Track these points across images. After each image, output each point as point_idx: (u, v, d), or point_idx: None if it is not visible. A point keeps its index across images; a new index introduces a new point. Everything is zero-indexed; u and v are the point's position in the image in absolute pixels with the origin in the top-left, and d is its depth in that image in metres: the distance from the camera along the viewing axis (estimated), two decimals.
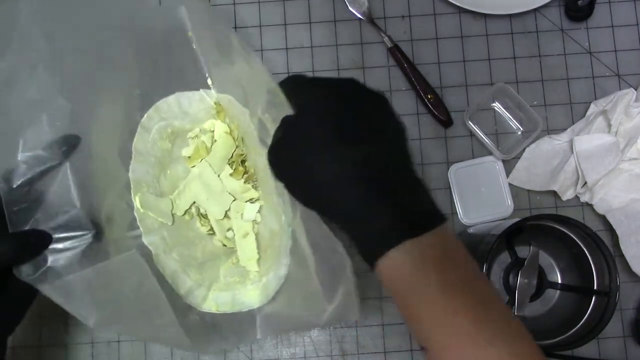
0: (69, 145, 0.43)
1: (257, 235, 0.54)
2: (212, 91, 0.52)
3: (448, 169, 0.59)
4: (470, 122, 0.58)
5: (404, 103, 0.61)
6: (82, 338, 0.59)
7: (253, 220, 0.54)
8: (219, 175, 0.55)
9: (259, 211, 0.54)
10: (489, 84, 0.61)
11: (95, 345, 0.59)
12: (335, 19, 0.62)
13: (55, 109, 0.43)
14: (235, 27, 0.63)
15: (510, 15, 0.62)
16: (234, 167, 0.55)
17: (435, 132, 0.61)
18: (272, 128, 0.37)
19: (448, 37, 0.62)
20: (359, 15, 0.62)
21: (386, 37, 0.61)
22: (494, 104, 0.61)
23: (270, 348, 0.58)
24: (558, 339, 0.51)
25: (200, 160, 0.55)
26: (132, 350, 0.59)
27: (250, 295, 0.51)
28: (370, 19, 0.62)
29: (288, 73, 0.62)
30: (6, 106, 0.42)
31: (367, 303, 0.59)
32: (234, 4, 0.63)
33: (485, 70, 0.61)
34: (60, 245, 0.43)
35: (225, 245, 0.55)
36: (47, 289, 0.39)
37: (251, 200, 0.55)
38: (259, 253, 0.53)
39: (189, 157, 0.55)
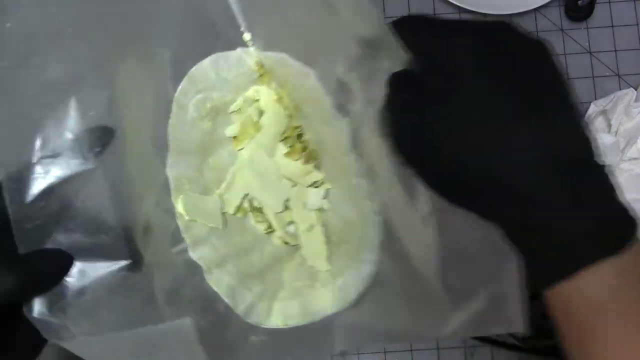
0: (103, 141, 0.33)
1: (325, 226, 0.44)
2: (252, 49, 0.42)
3: None
4: None
5: None
6: None
7: (319, 209, 0.44)
8: (272, 158, 0.45)
9: (325, 197, 0.44)
10: None
11: None
12: None
13: (87, 92, 0.32)
14: None
15: (510, 15, 0.62)
16: (289, 145, 0.44)
17: None
18: (363, 90, 0.29)
19: None
20: None
21: None
22: None
23: None
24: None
25: (248, 140, 0.45)
26: None
27: (323, 301, 0.42)
28: None
29: None
30: (19, 88, 0.31)
31: None
32: None
33: None
34: (85, 275, 0.32)
35: (287, 244, 0.45)
36: (66, 345, 0.31)
37: (315, 184, 0.44)
38: (329, 248, 0.43)
39: (234, 137, 0.45)
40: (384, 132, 0.28)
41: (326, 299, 0.41)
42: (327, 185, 0.44)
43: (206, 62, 0.41)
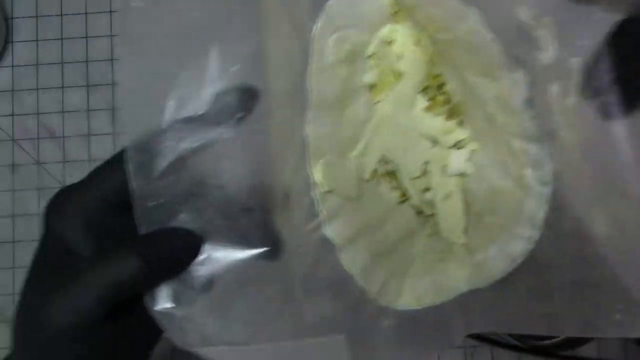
0: (247, 105, 0.27)
1: (466, 194, 0.37)
2: None
3: None
4: None
5: None
6: None
7: (460, 174, 0.37)
8: (411, 113, 0.38)
9: (469, 159, 0.37)
10: None
11: None
12: None
13: (232, 41, 0.26)
14: None
15: None
16: (428, 97, 0.38)
17: None
18: (558, 39, 0.24)
19: None
20: None
21: None
22: None
23: None
24: (558, 339, 0.51)
25: (387, 91, 0.38)
26: None
27: (457, 277, 0.36)
28: None
29: None
30: (151, 34, 0.25)
31: None
32: None
33: None
34: (214, 263, 0.27)
35: (420, 213, 0.39)
36: (198, 350, 0.25)
37: (458, 145, 0.37)
38: (467, 219, 0.37)
39: (371, 87, 0.38)
40: (592, 92, 0.23)
41: (460, 275, 0.36)
42: (473, 146, 0.37)
43: None
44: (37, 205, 0.61)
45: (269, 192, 0.29)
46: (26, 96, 0.63)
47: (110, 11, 0.64)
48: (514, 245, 0.33)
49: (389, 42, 0.37)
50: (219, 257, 0.26)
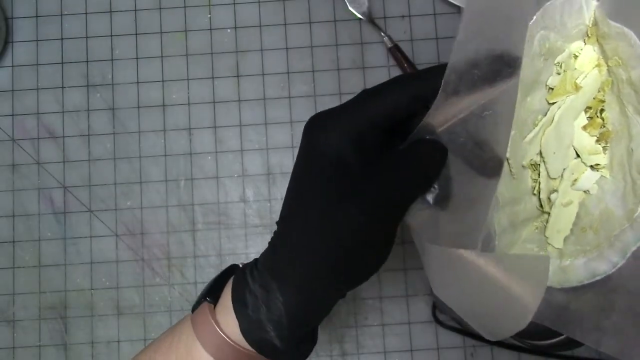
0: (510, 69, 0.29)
1: (582, 208, 0.43)
2: (595, 3, 0.39)
3: None
4: None
5: None
6: (82, 338, 0.59)
7: (585, 191, 0.43)
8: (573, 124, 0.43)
9: (597, 182, 0.42)
10: None
11: (95, 345, 0.59)
12: (335, 18, 0.63)
13: None
14: (235, 27, 0.63)
15: None
16: (588, 116, 0.43)
17: None
18: None
19: (448, 37, 0.62)
20: (359, 15, 0.62)
21: (386, 37, 0.61)
22: None
23: None
24: (558, 339, 0.51)
25: (564, 97, 0.43)
26: (132, 350, 0.59)
27: None
28: (370, 19, 0.62)
29: (288, 73, 0.62)
30: None
31: (366, 303, 0.59)
32: (234, 4, 0.63)
33: None
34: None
35: (540, 208, 0.45)
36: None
37: (593, 167, 0.43)
38: (573, 230, 0.42)
39: (550, 88, 0.43)
40: None
41: None
42: (605, 173, 0.42)
43: (559, 0, 0.39)
44: (37, 205, 0.61)
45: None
46: (26, 96, 0.63)
47: (110, 11, 0.64)
48: (600, 264, 0.38)
49: (575, 56, 0.41)
50: (462, 179, 0.29)
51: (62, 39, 0.63)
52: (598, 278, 0.38)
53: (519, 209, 0.43)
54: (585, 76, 0.42)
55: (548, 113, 0.43)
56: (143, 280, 0.60)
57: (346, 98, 0.61)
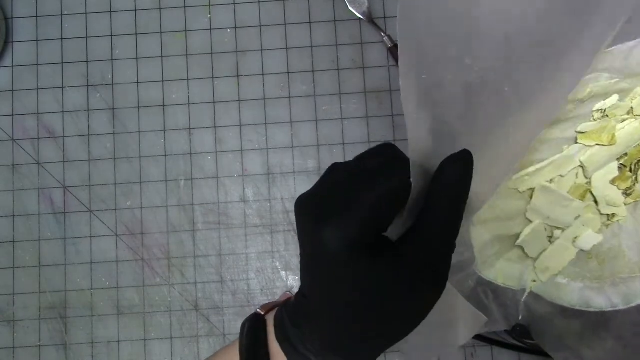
0: None
1: (596, 248, 0.44)
2: None
3: None
4: None
5: None
6: (82, 338, 0.59)
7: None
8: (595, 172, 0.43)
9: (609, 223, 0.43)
10: None
11: (95, 345, 0.59)
12: (335, 18, 0.63)
13: None
14: (235, 27, 0.63)
15: None
16: (621, 163, 0.42)
17: None
18: None
19: None
20: (359, 15, 0.62)
21: (386, 37, 0.61)
22: None
23: None
24: None
25: (591, 142, 0.43)
26: (132, 350, 0.59)
27: (528, 277, 0.44)
28: (370, 19, 0.62)
29: (288, 73, 0.62)
30: None
31: None
32: (234, 4, 0.63)
33: None
34: None
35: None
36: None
37: (609, 216, 0.43)
38: (577, 253, 0.43)
39: (580, 132, 0.43)
40: None
41: (530, 276, 0.43)
42: (622, 218, 0.42)
43: (629, 44, 0.38)
44: (37, 205, 0.61)
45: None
46: (26, 96, 0.63)
47: (110, 11, 0.64)
48: (597, 298, 0.40)
49: (616, 107, 0.41)
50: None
51: (62, 39, 0.63)
52: (592, 310, 0.39)
53: (510, 224, 0.43)
54: (622, 129, 0.41)
55: (565, 152, 0.42)
56: (143, 280, 0.60)
57: (346, 98, 0.61)
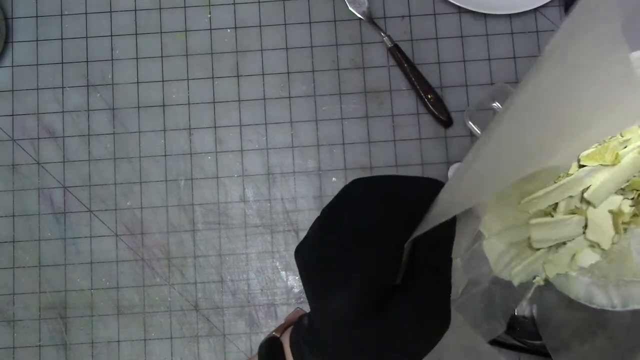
0: None
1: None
2: None
3: (448, 169, 0.59)
4: (470, 122, 0.58)
5: (404, 103, 0.61)
6: (82, 338, 0.59)
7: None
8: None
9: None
10: (489, 84, 0.61)
11: (95, 345, 0.59)
12: (335, 19, 0.62)
13: None
14: (235, 27, 0.63)
15: (510, 15, 0.61)
16: (620, 195, 0.43)
17: (435, 132, 0.61)
18: None
19: (448, 37, 0.62)
20: (359, 15, 0.62)
21: (386, 37, 0.61)
22: (494, 104, 0.61)
23: None
24: None
25: (595, 164, 0.43)
26: (132, 350, 0.59)
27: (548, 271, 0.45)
28: (370, 19, 0.62)
29: (288, 73, 0.62)
30: None
31: None
32: (234, 4, 0.63)
33: (485, 70, 0.61)
34: None
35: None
36: None
37: (595, 244, 0.44)
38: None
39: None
40: None
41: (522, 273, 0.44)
42: (602, 253, 0.43)
43: (635, 54, 0.37)
44: (37, 205, 0.61)
45: None
46: (26, 96, 0.63)
47: (110, 11, 0.64)
48: (600, 295, 0.41)
49: (622, 135, 0.41)
50: None
51: (62, 39, 0.63)
52: (594, 306, 0.41)
53: (524, 229, 0.44)
54: (627, 155, 0.40)
55: (574, 174, 0.42)
56: (143, 280, 0.60)
57: (346, 98, 0.61)
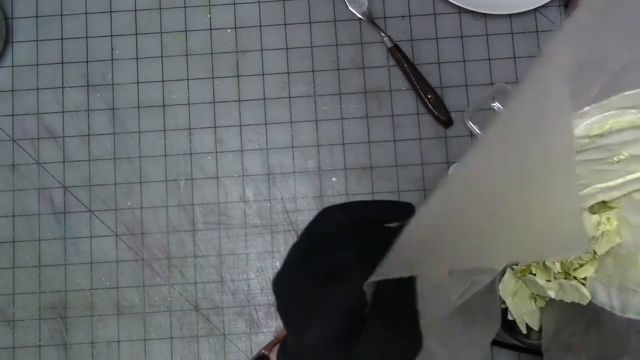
0: None
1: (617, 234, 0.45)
2: None
3: (448, 169, 0.59)
4: (470, 122, 0.58)
5: (404, 103, 0.61)
6: (82, 338, 0.59)
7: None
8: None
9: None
10: (489, 84, 0.61)
11: (95, 345, 0.59)
12: (335, 19, 0.63)
13: None
14: (235, 27, 0.63)
15: (510, 15, 0.62)
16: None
17: (435, 132, 0.61)
18: None
19: (448, 37, 0.62)
20: (359, 15, 0.62)
21: (386, 37, 0.61)
22: (494, 104, 0.61)
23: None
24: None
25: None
26: (132, 350, 0.59)
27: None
28: (370, 19, 0.62)
29: (288, 73, 0.62)
30: None
31: None
32: (234, 4, 0.63)
33: (485, 70, 0.61)
34: None
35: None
36: None
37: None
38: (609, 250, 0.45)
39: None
40: None
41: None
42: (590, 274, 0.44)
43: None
44: (37, 205, 0.61)
45: None
46: (26, 96, 0.63)
47: (110, 11, 0.64)
48: (604, 297, 0.42)
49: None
50: None
51: (62, 39, 0.63)
52: (595, 302, 0.42)
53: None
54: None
55: (637, 173, 0.42)
56: (143, 280, 0.60)
57: (346, 98, 0.61)
